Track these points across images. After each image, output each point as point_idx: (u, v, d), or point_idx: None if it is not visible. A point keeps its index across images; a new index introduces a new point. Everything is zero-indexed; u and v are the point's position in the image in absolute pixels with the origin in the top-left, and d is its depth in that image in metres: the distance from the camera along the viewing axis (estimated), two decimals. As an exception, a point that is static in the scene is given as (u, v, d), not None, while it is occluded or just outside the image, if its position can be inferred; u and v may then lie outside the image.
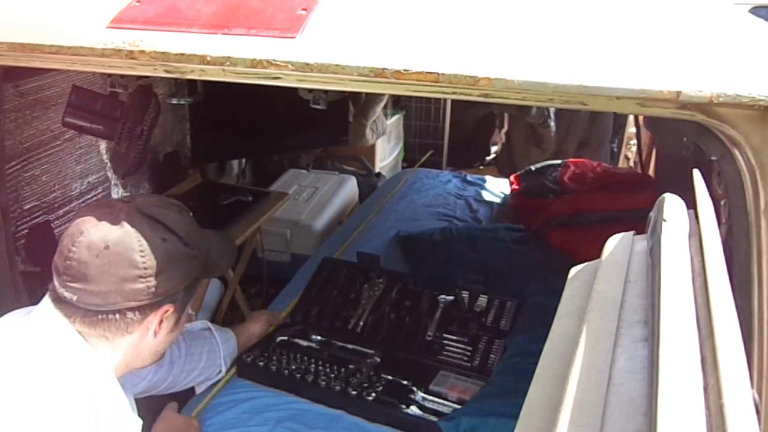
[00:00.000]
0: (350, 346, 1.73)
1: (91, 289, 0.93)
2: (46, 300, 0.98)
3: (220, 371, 1.56)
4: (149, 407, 1.33)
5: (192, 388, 1.54)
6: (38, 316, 0.98)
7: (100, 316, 0.95)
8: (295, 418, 1.46)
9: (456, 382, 1.57)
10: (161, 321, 1.01)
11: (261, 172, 3.55)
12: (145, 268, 0.94)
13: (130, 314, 0.96)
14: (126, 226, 0.94)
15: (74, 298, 0.93)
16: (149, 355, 1.06)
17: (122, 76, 1.32)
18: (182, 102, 1.71)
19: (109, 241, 0.93)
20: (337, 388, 1.53)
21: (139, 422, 1.07)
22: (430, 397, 1.51)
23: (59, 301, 0.96)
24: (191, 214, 1.06)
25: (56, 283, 0.96)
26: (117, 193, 2.14)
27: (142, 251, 0.94)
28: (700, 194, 0.67)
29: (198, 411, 1.49)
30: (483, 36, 0.84)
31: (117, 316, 0.95)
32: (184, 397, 1.54)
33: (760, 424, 0.41)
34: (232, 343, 1.61)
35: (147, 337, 1.01)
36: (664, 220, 0.61)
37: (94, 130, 1.43)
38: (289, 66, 0.83)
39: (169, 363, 1.40)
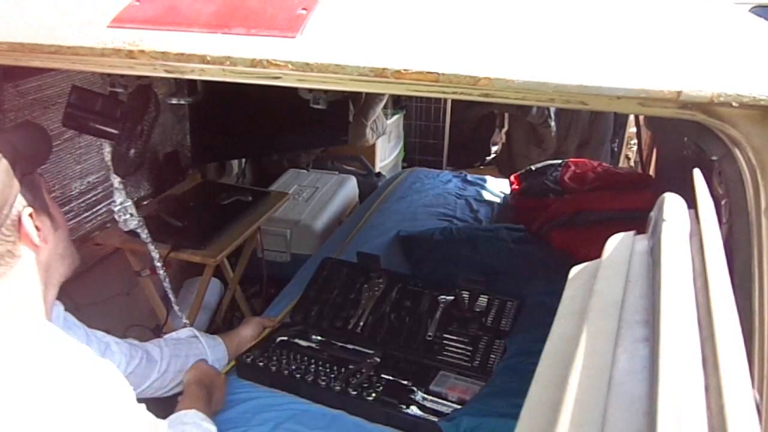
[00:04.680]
0: (350, 346, 1.73)
1: None
2: None
3: None
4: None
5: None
6: None
7: None
8: (295, 419, 1.46)
9: (456, 383, 1.57)
10: (36, 227, 0.97)
11: (261, 172, 3.55)
12: None
13: None
14: None
15: None
16: (59, 260, 1.04)
17: (122, 76, 1.32)
18: (182, 102, 1.71)
19: None
20: (337, 388, 1.53)
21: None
22: (431, 397, 1.51)
23: None
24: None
25: None
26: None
27: None
28: (700, 194, 0.66)
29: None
30: (483, 36, 0.84)
31: None
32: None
33: (761, 424, 0.41)
34: (221, 349, 1.60)
35: (41, 248, 0.98)
36: (665, 220, 0.61)
37: (94, 130, 1.42)
38: (289, 66, 0.83)
39: (147, 361, 1.38)
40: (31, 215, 0.96)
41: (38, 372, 0.84)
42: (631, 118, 3.30)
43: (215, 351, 1.58)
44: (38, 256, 0.98)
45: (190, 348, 1.51)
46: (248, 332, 1.73)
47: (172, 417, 1.24)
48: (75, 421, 0.83)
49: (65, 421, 0.83)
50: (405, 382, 1.56)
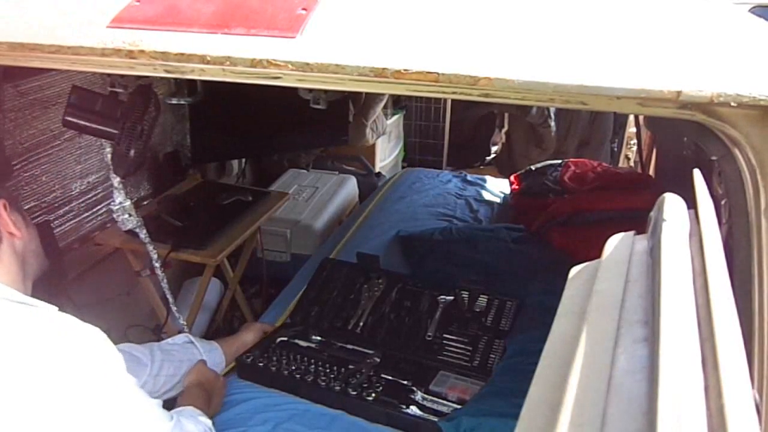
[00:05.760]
0: (350, 347, 1.73)
1: None
2: None
3: None
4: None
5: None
6: None
7: None
8: (295, 419, 1.46)
9: (456, 382, 1.56)
10: (11, 219, 1.05)
11: (261, 172, 3.55)
12: None
13: None
14: None
15: None
16: (33, 256, 1.11)
17: (122, 76, 1.32)
18: (182, 102, 1.71)
19: None
20: (337, 388, 1.53)
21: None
22: (430, 397, 1.51)
23: None
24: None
25: None
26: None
27: None
28: (700, 194, 0.66)
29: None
30: (483, 36, 0.84)
31: None
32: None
33: (760, 424, 0.41)
34: (218, 353, 1.60)
35: (14, 238, 1.05)
36: (665, 220, 0.61)
37: (94, 130, 1.42)
38: (289, 66, 0.83)
39: (135, 363, 1.36)
40: (5, 206, 1.04)
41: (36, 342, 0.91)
42: (631, 118, 3.30)
43: (211, 356, 1.57)
44: (15, 245, 1.05)
45: (185, 353, 1.51)
46: (249, 337, 1.73)
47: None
48: (63, 382, 0.90)
49: (57, 383, 0.89)
50: (405, 382, 1.56)
